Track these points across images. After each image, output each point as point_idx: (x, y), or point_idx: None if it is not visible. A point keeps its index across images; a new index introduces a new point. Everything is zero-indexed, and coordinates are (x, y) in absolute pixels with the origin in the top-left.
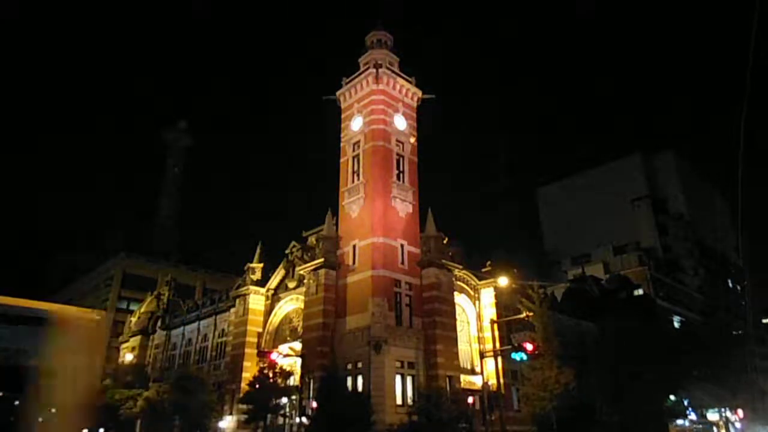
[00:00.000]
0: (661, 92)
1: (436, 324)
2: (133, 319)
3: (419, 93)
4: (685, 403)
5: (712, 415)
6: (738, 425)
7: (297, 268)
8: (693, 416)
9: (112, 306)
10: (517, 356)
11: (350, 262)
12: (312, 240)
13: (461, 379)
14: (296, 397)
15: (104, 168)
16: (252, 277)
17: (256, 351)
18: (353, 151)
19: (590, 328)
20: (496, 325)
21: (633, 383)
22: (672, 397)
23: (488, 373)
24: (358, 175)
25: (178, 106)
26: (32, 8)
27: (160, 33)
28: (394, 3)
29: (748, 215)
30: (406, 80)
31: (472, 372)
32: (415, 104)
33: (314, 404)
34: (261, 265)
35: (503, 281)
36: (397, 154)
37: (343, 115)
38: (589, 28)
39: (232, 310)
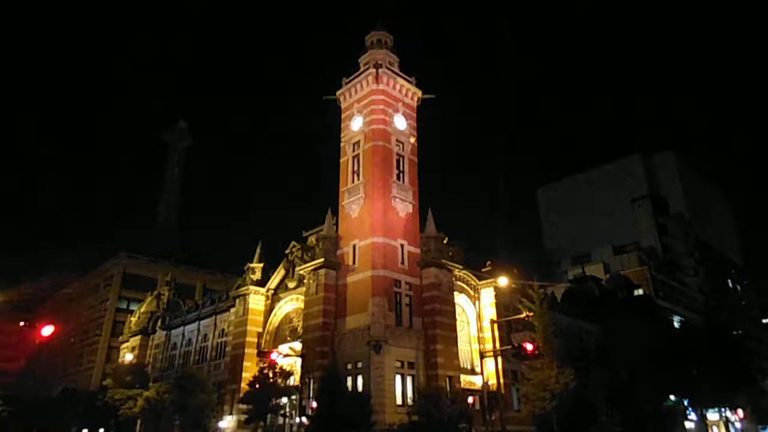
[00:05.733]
0: (662, 92)
1: (436, 324)
2: (133, 319)
3: (419, 93)
4: (685, 403)
5: (712, 415)
6: (738, 425)
7: (297, 268)
8: (693, 416)
9: (112, 306)
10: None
11: (350, 262)
12: (312, 240)
13: (461, 379)
14: (296, 397)
15: (104, 168)
16: (252, 277)
17: (256, 351)
18: (353, 151)
19: (590, 328)
20: (496, 325)
21: (633, 383)
22: (672, 397)
23: (488, 373)
24: (358, 175)
25: (178, 106)
26: (32, 7)
27: (160, 33)
28: (394, 3)
29: (748, 215)
30: (406, 80)
31: (472, 372)
32: (415, 104)
33: (314, 404)
34: (261, 265)
35: (503, 281)
36: (397, 154)
37: (343, 115)
38: (589, 27)
39: (232, 310)
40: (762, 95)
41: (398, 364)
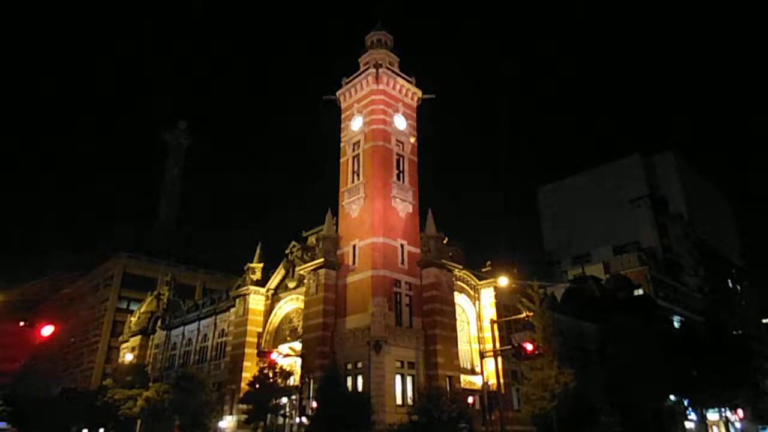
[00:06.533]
0: (662, 92)
1: (436, 324)
2: (133, 319)
3: (419, 93)
4: (685, 403)
5: (712, 415)
6: (738, 425)
7: (297, 268)
8: (693, 416)
9: (112, 306)
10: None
11: (350, 262)
12: (312, 240)
13: (461, 379)
14: (296, 397)
15: (104, 168)
16: (252, 277)
17: (256, 351)
18: (353, 151)
19: (590, 328)
20: (496, 325)
21: (633, 383)
22: (672, 397)
23: (488, 373)
24: (358, 175)
25: (178, 106)
26: (31, 8)
27: (160, 33)
28: (395, 2)
29: (748, 215)
30: (406, 80)
31: (472, 372)
32: (415, 104)
33: (314, 404)
34: (261, 265)
35: (503, 281)
36: (397, 154)
37: (343, 115)
38: (590, 27)
39: (232, 310)
40: (762, 95)
41: (398, 364)
